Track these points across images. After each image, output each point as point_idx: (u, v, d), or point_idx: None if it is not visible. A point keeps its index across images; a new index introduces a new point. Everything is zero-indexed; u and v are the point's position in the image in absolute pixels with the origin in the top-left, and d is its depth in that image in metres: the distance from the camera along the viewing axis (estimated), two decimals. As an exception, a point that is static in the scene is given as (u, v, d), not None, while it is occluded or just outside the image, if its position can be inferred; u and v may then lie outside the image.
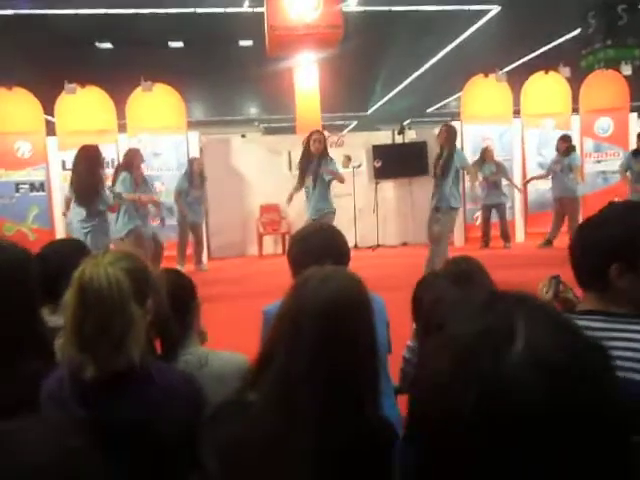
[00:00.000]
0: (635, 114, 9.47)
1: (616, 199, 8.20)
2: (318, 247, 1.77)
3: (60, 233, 7.63)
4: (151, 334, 1.50)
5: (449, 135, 5.78)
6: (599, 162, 9.27)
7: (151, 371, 1.27)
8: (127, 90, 8.34)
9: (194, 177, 7.32)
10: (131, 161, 6.11)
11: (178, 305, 1.61)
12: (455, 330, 0.57)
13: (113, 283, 1.17)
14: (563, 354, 0.51)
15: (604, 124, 9.26)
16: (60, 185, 7.54)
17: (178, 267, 7.52)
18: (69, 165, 6.08)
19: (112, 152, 7.82)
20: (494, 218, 8.56)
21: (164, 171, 7.94)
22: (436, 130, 10.15)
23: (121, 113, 8.35)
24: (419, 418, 0.57)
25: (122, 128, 8.41)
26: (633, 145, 7.39)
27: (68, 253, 1.92)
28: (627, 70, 9.96)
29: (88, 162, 4.95)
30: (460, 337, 0.55)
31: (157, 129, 8.18)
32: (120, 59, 12.71)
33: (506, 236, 8.52)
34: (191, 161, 7.52)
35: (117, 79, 8.03)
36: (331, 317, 1.05)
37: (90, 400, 1.20)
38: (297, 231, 2.06)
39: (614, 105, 9.37)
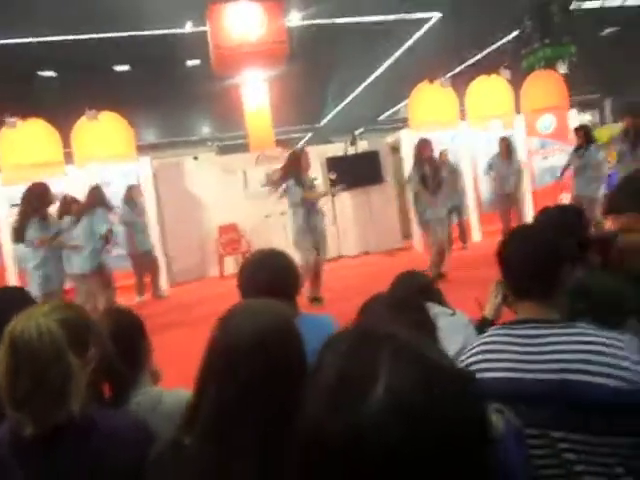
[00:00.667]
0: (574, 110, 9.86)
1: (564, 194, 8.50)
2: (264, 281, 1.76)
3: (10, 271, 7.39)
4: (98, 379, 1.48)
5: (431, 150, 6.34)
6: (546, 158, 9.57)
7: (94, 419, 1.23)
8: (73, 119, 8.19)
9: (136, 205, 7.27)
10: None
11: (126, 346, 1.58)
12: (322, 374, 0.56)
13: (45, 334, 1.13)
14: (422, 395, 0.51)
15: (546, 122, 9.60)
16: (7, 221, 7.30)
17: (137, 298, 7.39)
18: (16, 200, 5.89)
19: (61, 184, 7.64)
20: (453, 220, 8.69)
21: (115, 200, 7.77)
22: (388, 138, 10.35)
23: (69, 143, 8.18)
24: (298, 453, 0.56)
25: (70, 159, 8.23)
26: (573, 140, 7.64)
27: (7, 302, 1.86)
28: (563, 69, 10.38)
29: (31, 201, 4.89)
30: (324, 380, 0.55)
31: (105, 158, 8.03)
32: (65, 87, 12.50)
33: (464, 237, 8.71)
34: (129, 189, 7.47)
35: (62, 108, 7.88)
36: (259, 350, 1.04)
37: (29, 459, 1.16)
38: (245, 260, 2.03)
39: (554, 103, 9.72)
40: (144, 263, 7.58)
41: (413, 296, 1.70)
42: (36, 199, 5.02)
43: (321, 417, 0.52)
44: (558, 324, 1.26)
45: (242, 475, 0.99)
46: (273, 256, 1.86)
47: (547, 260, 1.33)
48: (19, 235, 5.14)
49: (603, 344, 1.18)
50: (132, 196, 7.44)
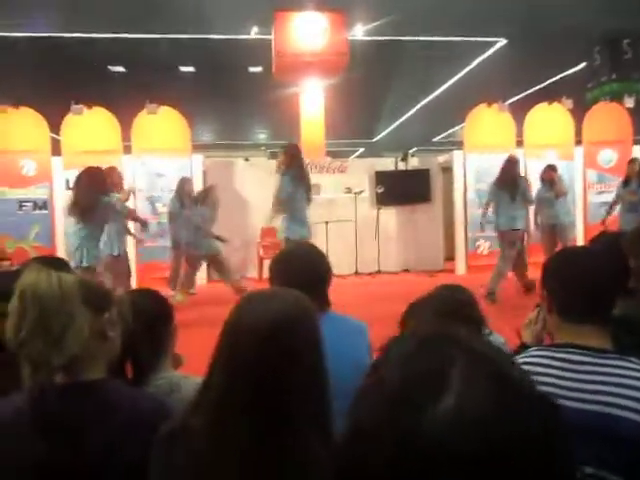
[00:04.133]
0: (638, 147, 9.48)
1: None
2: (293, 272, 1.74)
3: (61, 252, 7.67)
4: (120, 357, 1.49)
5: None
6: (601, 193, 9.24)
7: (118, 395, 1.25)
8: (136, 113, 8.49)
9: (184, 198, 7.32)
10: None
11: (150, 328, 1.59)
12: (385, 374, 0.51)
13: (55, 284, 1.15)
14: (494, 415, 0.45)
15: (607, 156, 9.27)
16: (63, 204, 7.60)
17: (171, 292, 7.47)
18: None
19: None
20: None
21: (166, 192, 7.99)
22: (439, 158, 10.24)
23: (128, 135, 8.48)
24: (342, 459, 0.51)
25: (128, 149, 8.51)
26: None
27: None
28: (630, 103, 10.02)
29: (89, 183, 5.02)
30: (387, 383, 0.49)
31: (161, 151, 8.27)
32: (131, 82, 12.96)
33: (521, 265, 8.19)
34: (182, 182, 7.36)
35: (127, 102, 8.18)
36: (269, 337, 1.02)
37: (52, 424, 1.16)
38: (278, 253, 2.03)
39: (617, 137, 9.39)
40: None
41: (461, 307, 1.63)
42: (100, 182, 5.09)
43: (379, 421, 0.47)
44: (608, 354, 1.19)
45: (244, 458, 0.98)
46: (303, 249, 1.83)
47: (608, 283, 1.26)
48: (86, 215, 5.01)
49: None
50: (184, 189, 7.47)
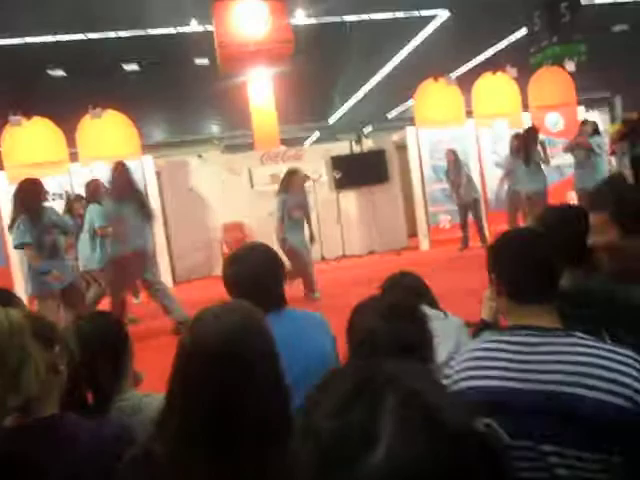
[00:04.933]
0: (582, 107, 9.72)
1: (571, 192, 8.37)
2: (246, 276, 1.72)
3: (16, 269, 7.41)
4: (79, 385, 1.47)
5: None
6: (552, 157, 9.44)
7: (76, 427, 1.23)
8: (79, 118, 8.20)
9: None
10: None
11: (110, 352, 1.58)
12: (315, 424, 0.49)
13: (4, 320, 1.15)
14: (428, 464, 0.44)
15: (553, 119, 9.48)
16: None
17: (134, 300, 7.27)
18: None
19: (65, 183, 7.67)
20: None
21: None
22: (394, 136, 10.28)
23: (74, 142, 8.20)
24: None
25: (75, 157, 8.24)
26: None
27: None
28: (570, 66, 10.24)
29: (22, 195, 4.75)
30: (318, 435, 0.48)
31: (109, 157, 8.02)
32: (73, 86, 12.51)
33: (483, 235, 8.24)
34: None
35: (69, 107, 7.89)
36: (219, 355, 1.02)
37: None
38: (228, 257, 2.00)
39: (561, 101, 9.60)
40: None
41: (407, 302, 1.64)
42: (25, 196, 4.69)
43: (313, 471, 0.47)
44: (556, 332, 1.20)
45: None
46: (255, 251, 1.81)
47: (549, 263, 1.26)
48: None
49: (605, 357, 1.12)
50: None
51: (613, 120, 16.40)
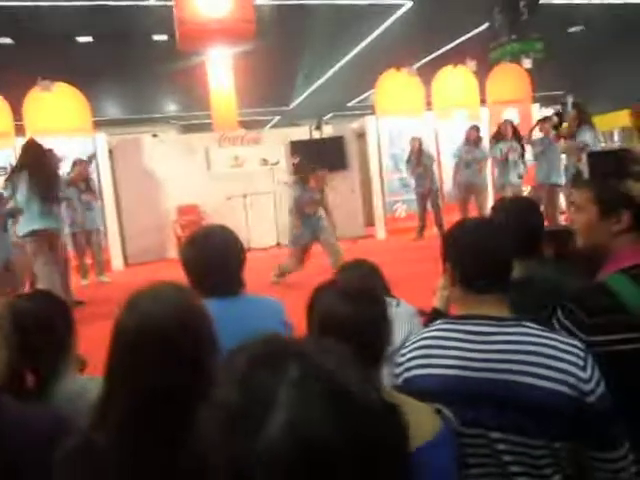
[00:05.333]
0: (537, 105, 9.99)
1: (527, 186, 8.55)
2: (211, 255, 1.68)
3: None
4: (18, 368, 1.39)
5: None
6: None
7: (6, 417, 1.15)
8: (27, 90, 7.81)
9: (78, 181, 6.81)
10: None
11: (51, 333, 1.50)
12: (218, 397, 0.51)
13: None
14: (329, 427, 0.46)
15: (510, 115, 9.69)
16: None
17: (82, 282, 7.05)
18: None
19: (10, 157, 7.30)
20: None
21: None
22: (354, 124, 10.28)
23: (20, 115, 7.81)
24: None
25: (21, 130, 7.85)
26: (537, 135, 7.67)
27: None
28: (527, 63, 10.50)
29: None
30: (220, 407, 0.50)
31: (58, 131, 7.69)
32: (22, 56, 11.90)
33: (440, 222, 8.29)
34: (75, 163, 6.88)
35: (17, 78, 7.49)
36: (169, 336, 1.00)
37: None
38: (188, 238, 1.94)
39: (518, 97, 9.83)
40: (87, 242, 7.21)
41: (366, 285, 1.62)
42: None
43: (218, 439, 0.49)
44: (508, 322, 1.21)
45: (159, 467, 0.95)
46: (215, 232, 1.77)
47: (504, 253, 1.27)
48: None
49: (552, 347, 1.14)
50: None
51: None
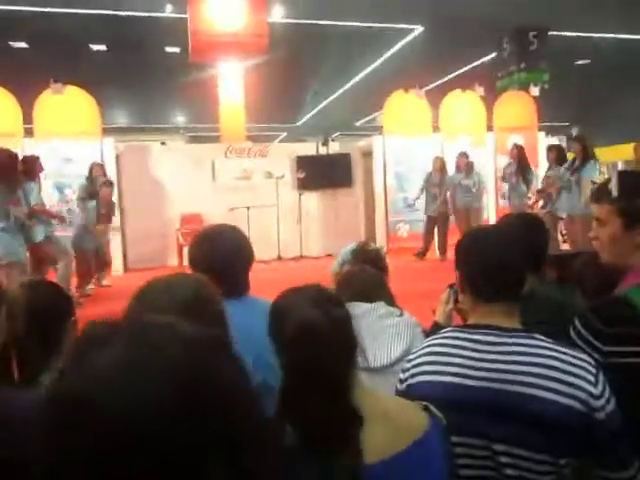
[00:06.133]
0: (543, 133, 10.07)
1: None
2: (221, 253, 1.66)
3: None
4: (5, 355, 1.36)
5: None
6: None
7: None
8: (39, 92, 7.88)
9: (95, 184, 6.88)
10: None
11: (42, 323, 1.46)
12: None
13: None
14: (127, 372, 0.50)
15: (516, 141, 9.75)
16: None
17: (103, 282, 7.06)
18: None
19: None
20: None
21: (75, 178, 7.51)
22: (360, 143, 10.35)
23: (31, 117, 7.87)
24: None
25: (31, 132, 7.91)
26: (543, 162, 7.74)
27: None
28: (535, 91, 10.60)
29: None
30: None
31: (67, 134, 7.74)
32: (36, 59, 12.03)
33: (443, 248, 8.33)
34: (91, 167, 6.96)
35: (30, 81, 7.57)
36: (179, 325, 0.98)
37: None
38: (198, 235, 1.90)
39: (524, 124, 9.91)
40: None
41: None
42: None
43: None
44: (517, 333, 1.20)
45: None
46: (226, 231, 1.75)
47: (512, 262, 1.26)
48: None
49: (562, 360, 1.13)
50: (92, 175, 7.05)
51: (569, 148, 17.07)
